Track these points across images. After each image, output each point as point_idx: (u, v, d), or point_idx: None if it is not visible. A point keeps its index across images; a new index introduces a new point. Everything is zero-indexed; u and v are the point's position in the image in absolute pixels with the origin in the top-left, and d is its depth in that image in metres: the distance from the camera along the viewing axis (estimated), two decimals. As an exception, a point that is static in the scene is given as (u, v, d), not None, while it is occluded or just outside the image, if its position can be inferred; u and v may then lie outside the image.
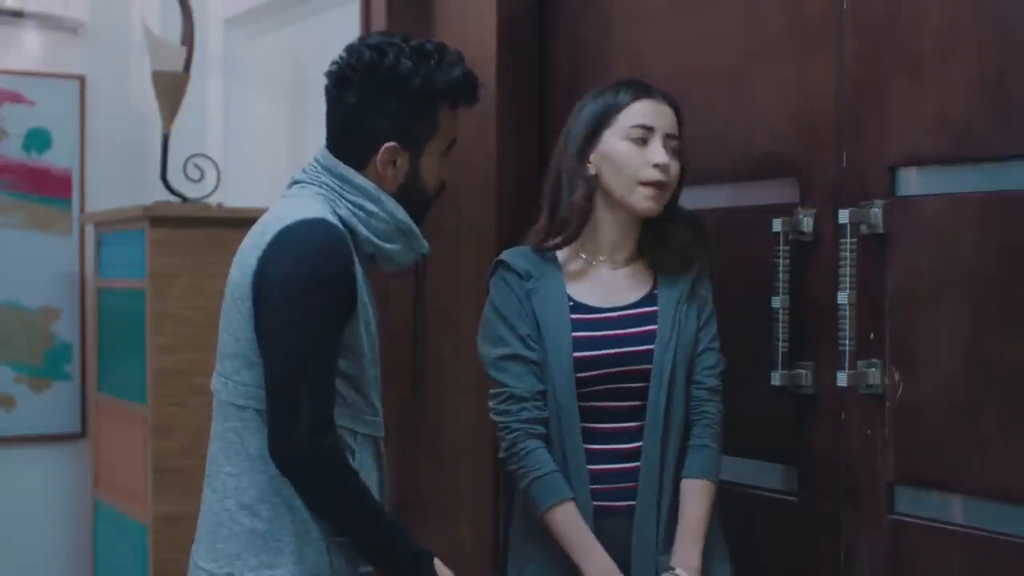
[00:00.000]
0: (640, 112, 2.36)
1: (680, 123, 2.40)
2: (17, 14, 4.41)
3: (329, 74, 2.38)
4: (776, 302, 2.39)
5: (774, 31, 2.50)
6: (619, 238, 2.42)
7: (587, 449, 2.37)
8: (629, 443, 2.36)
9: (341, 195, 2.33)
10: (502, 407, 2.39)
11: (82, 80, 4.59)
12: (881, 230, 2.25)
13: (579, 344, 2.39)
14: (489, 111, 3.01)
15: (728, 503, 2.46)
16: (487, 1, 3.12)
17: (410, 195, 2.37)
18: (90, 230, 4.44)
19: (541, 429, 2.39)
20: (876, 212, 2.25)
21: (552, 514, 2.35)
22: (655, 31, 2.80)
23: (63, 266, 4.55)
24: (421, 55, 2.35)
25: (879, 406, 2.27)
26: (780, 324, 2.39)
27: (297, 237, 2.24)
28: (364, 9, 3.51)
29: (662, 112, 2.38)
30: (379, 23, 3.42)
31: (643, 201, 2.35)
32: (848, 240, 2.27)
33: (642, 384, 2.36)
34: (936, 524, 2.22)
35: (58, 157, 4.56)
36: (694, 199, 2.53)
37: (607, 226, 2.41)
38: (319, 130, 4.22)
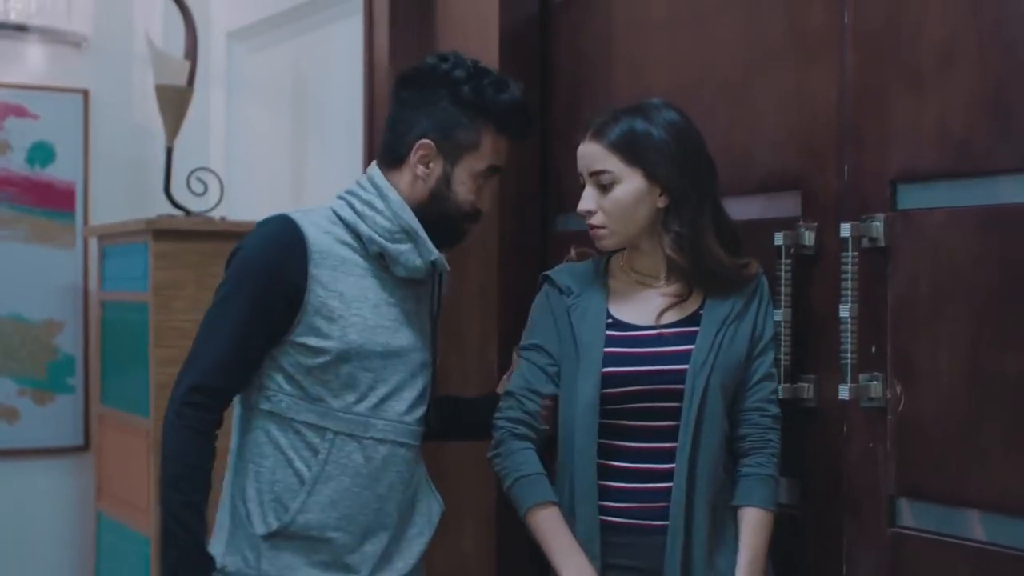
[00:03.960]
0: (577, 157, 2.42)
1: (620, 148, 2.36)
2: (21, 28, 4.42)
3: (397, 77, 2.51)
4: (778, 315, 2.39)
5: (775, 44, 2.51)
6: (656, 259, 2.42)
7: (615, 467, 2.36)
8: (664, 463, 2.34)
9: (359, 195, 2.45)
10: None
11: (85, 94, 4.60)
12: (882, 243, 2.25)
13: (609, 359, 2.38)
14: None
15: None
16: (490, 12, 3.14)
17: (440, 204, 2.45)
18: (93, 243, 4.45)
19: (524, 430, 2.43)
20: (877, 226, 2.26)
21: (532, 516, 2.38)
22: (656, 43, 2.81)
23: (66, 279, 4.56)
24: (479, 71, 2.46)
25: (881, 419, 2.27)
26: (782, 337, 2.39)
27: (252, 232, 2.44)
28: (367, 22, 3.52)
29: (584, 153, 2.39)
30: (381, 36, 3.44)
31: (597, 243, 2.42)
32: (849, 253, 2.27)
33: (676, 404, 2.34)
34: (938, 537, 2.22)
35: (62, 170, 4.56)
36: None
37: (645, 247, 2.42)
38: (321, 142, 4.24)
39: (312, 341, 2.39)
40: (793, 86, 2.46)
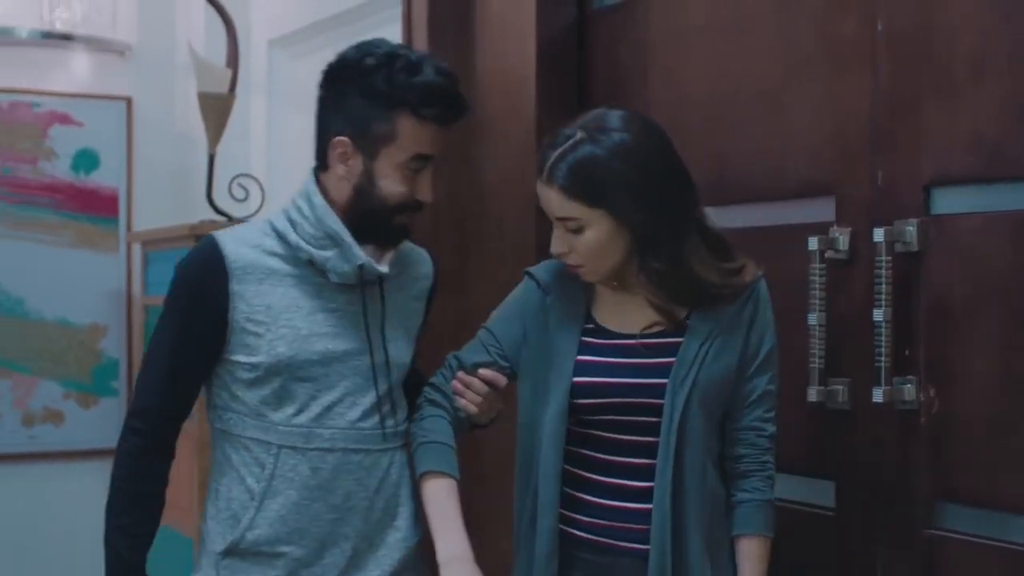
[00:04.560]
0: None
1: (577, 192, 2.18)
2: (66, 37, 4.49)
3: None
4: (812, 319, 2.42)
5: (809, 52, 2.53)
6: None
7: (585, 478, 2.27)
8: (640, 481, 2.23)
9: (294, 202, 2.41)
10: None
11: (129, 101, 4.69)
12: (915, 248, 2.28)
13: (582, 368, 2.27)
14: (529, 130, 3.06)
15: (765, 518, 2.48)
16: (527, 21, 3.17)
17: (365, 200, 2.35)
18: (137, 248, 4.51)
19: (439, 397, 2.37)
20: (911, 230, 2.28)
21: (424, 483, 2.31)
22: (692, 52, 2.84)
23: (110, 284, 4.63)
24: (391, 57, 2.32)
25: (914, 422, 2.29)
26: (816, 341, 2.42)
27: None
28: (406, 29, 3.56)
29: (543, 197, 2.23)
30: (420, 43, 3.48)
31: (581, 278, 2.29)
32: (883, 258, 2.29)
33: (655, 419, 2.21)
34: (974, 539, 2.23)
35: (105, 177, 4.66)
36: (732, 217, 2.57)
37: (632, 269, 2.28)
38: None
39: (242, 357, 2.37)
40: (827, 92, 2.49)
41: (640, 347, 2.26)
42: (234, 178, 4.15)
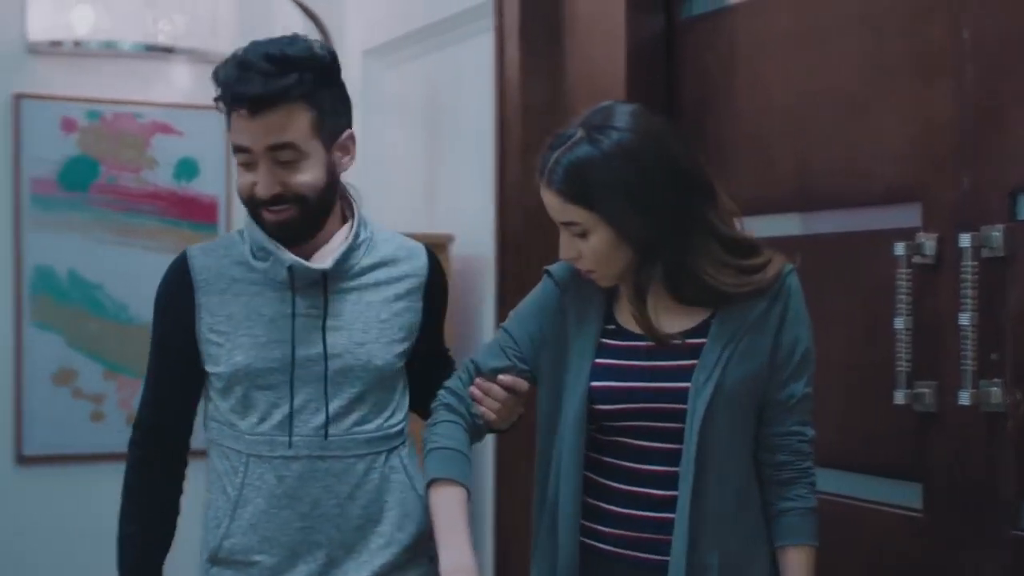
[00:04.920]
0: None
1: (574, 196, 2.08)
2: (168, 50, 4.61)
3: None
4: (899, 323, 2.44)
5: (895, 58, 2.56)
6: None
7: (606, 486, 2.17)
8: (665, 490, 2.11)
9: None
10: None
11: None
12: (1002, 253, 2.30)
13: (600, 372, 2.16)
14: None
15: (852, 519, 2.51)
16: (617, 30, 3.22)
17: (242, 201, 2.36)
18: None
19: (452, 400, 2.26)
20: (997, 236, 2.30)
21: (432, 489, 2.19)
22: (779, 59, 2.87)
23: (210, 289, 4.73)
24: (229, 57, 2.30)
25: (1001, 424, 2.31)
26: (903, 344, 2.44)
27: None
28: (497, 40, 3.63)
29: (545, 202, 2.14)
30: (512, 53, 3.54)
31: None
32: (969, 263, 2.31)
33: (679, 425, 2.10)
34: (1059, 541, 2.26)
35: (205, 185, 4.76)
36: (818, 223, 2.60)
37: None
38: (453, 156, 4.34)
39: (210, 367, 2.37)
40: (913, 99, 2.52)
41: (662, 350, 2.13)
42: (331, 185, 4.22)
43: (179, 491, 2.47)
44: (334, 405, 2.35)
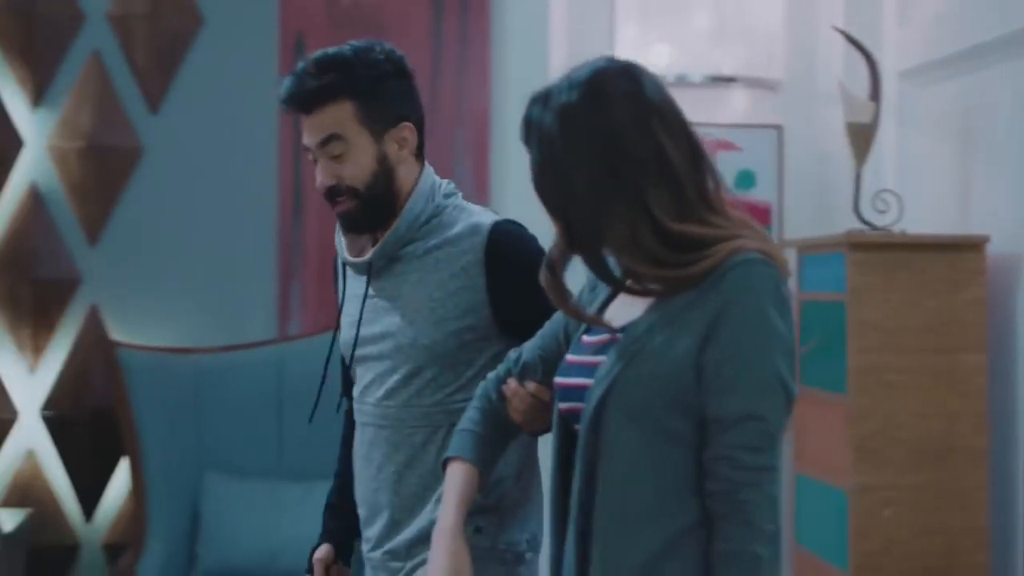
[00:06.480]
0: None
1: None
2: (731, 79, 5.38)
3: None
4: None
5: None
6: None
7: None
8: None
9: None
10: None
11: (779, 129, 5.38)
12: None
13: (563, 368, 2.00)
14: None
15: None
16: None
17: None
18: (791, 253, 5.24)
19: (489, 386, 2.19)
20: None
21: (446, 466, 2.14)
22: None
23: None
24: None
25: None
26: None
27: None
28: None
29: None
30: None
31: None
32: None
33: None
34: None
35: (761, 193, 5.37)
36: None
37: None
38: (990, 170, 4.79)
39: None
40: None
41: (597, 343, 1.91)
42: (876, 193, 4.64)
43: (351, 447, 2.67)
44: (391, 380, 2.48)
